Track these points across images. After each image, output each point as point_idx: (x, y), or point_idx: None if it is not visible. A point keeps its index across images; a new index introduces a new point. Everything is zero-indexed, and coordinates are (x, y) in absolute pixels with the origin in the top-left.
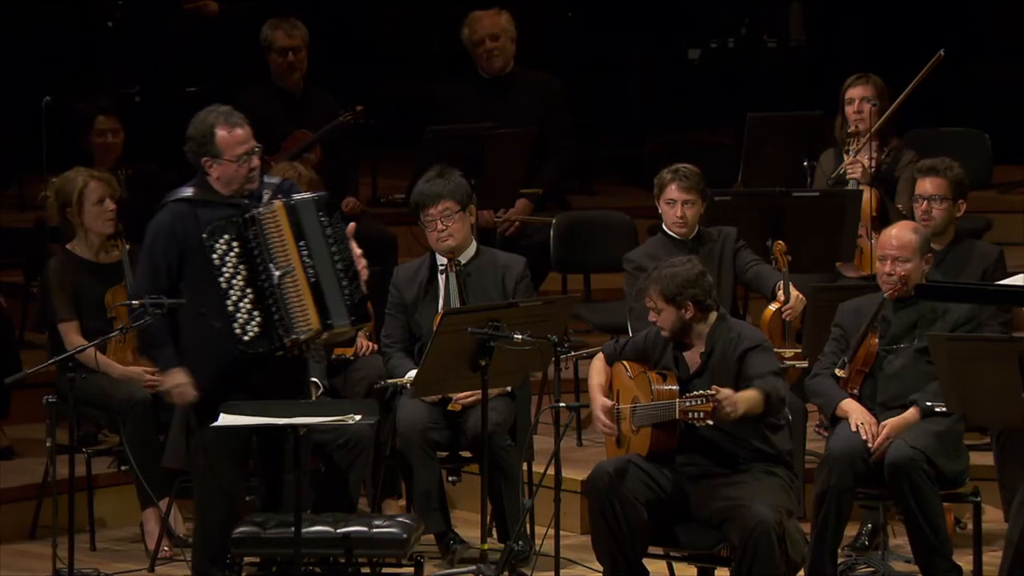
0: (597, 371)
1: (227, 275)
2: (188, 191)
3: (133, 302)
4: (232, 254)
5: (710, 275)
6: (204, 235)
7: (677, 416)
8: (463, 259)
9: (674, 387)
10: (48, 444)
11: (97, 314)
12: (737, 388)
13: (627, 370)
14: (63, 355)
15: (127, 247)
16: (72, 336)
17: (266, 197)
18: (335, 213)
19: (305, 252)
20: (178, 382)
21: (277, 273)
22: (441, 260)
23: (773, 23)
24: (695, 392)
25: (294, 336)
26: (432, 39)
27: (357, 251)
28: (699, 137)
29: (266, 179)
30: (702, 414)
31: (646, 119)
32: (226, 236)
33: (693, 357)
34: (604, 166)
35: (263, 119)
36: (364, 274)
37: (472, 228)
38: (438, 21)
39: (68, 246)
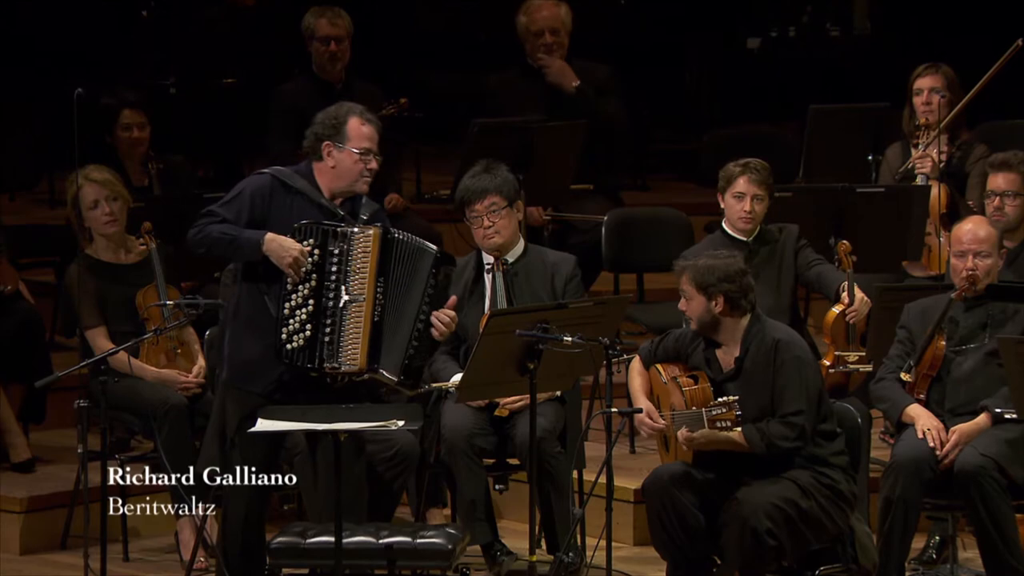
0: (636, 373)
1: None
2: (293, 176)
3: (167, 302)
4: (309, 260)
5: (751, 276)
6: (294, 227)
7: (706, 426)
8: (510, 258)
9: (707, 386)
10: (80, 450)
11: (125, 317)
12: (772, 394)
13: (662, 375)
14: (94, 358)
15: (155, 244)
16: (101, 342)
17: (363, 218)
18: (440, 273)
19: (380, 289)
20: (281, 242)
21: (345, 298)
22: (488, 259)
23: (837, 11)
24: (719, 400)
25: (335, 364)
26: (478, 29)
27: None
28: (759, 130)
29: (366, 200)
30: (729, 423)
31: (703, 112)
32: (311, 240)
33: (727, 358)
34: (659, 161)
35: (303, 111)
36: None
37: (520, 225)
38: (484, 11)
39: (88, 251)
